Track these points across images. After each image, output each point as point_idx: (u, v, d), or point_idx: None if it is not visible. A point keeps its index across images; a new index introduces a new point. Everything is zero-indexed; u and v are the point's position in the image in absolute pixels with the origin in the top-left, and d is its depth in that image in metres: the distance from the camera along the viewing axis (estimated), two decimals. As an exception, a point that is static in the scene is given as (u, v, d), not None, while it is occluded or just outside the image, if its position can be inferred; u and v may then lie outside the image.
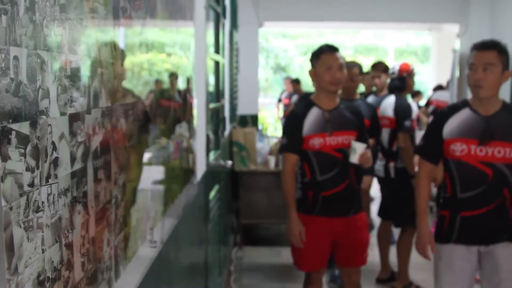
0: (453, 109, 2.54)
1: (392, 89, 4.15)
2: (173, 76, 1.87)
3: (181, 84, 2.03)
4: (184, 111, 2.08)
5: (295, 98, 9.11)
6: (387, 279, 4.29)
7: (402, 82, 4.09)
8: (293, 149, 2.88)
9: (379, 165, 4.11)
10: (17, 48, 0.70)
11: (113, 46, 1.14)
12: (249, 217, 5.12)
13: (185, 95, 2.12)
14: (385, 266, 4.31)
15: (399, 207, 4.04)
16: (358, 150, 2.79)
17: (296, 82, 10.26)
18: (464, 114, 2.48)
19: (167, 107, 1.75)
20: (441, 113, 2.61)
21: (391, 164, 4.01)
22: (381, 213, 4.27)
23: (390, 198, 4.17)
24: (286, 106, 10.28)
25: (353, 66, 3.94)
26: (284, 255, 4.95)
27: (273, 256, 4.97)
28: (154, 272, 1.53)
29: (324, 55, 2.85)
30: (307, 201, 2.90)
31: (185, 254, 2.20)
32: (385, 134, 4.05)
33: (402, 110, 3.96)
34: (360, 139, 2.91)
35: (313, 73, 2.90)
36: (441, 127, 2.51)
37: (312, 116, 2.87)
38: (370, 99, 4.54)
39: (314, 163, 2.86)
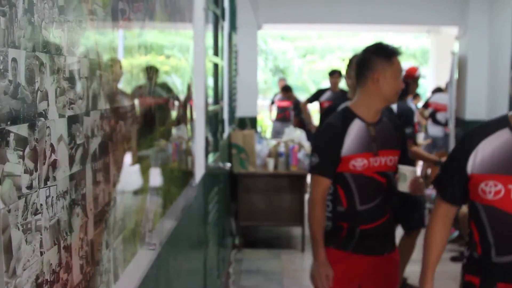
0: (488, 128, 1.73)
1: None
2: (152, 70, 1.59)
3: (163, 78, 1.88)
4: (183, 113, 2.08)
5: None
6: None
7: (406, 87, 4.10)
8: (327, 172, 2.29)
9: None
10: (15, 50, 0.69)
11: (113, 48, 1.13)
12: (248, 219, 5.11)
13: (185, 97, 2.12)
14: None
15: (407, 210, 4.03)
16: (408, 176, 2.27)
17: (286, 90, 9.05)
18: (502, 138, 1.68)
19: (145, 104, 1.61)
20: (469, 135, 1.78)
21: None
22: None
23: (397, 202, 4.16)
24: (279, 108, 9.39)
25: None
26: (283, 258, 4.95)
27: (271, 258, 4.97)
28: (153, 274, 1.53)
29: (396, 60, 2.28)
30: (340, 235, 2.34)
31: (184, 256, 2.20)
32: None
33: (405, 115, 3.96)
34: (402, 160, 2.38)
35: (379, 77, 2.25)
36: (468, 154, 1.72)
37: (355, 131, 2.28)
38: None
39: (353, 189, 2.29)
